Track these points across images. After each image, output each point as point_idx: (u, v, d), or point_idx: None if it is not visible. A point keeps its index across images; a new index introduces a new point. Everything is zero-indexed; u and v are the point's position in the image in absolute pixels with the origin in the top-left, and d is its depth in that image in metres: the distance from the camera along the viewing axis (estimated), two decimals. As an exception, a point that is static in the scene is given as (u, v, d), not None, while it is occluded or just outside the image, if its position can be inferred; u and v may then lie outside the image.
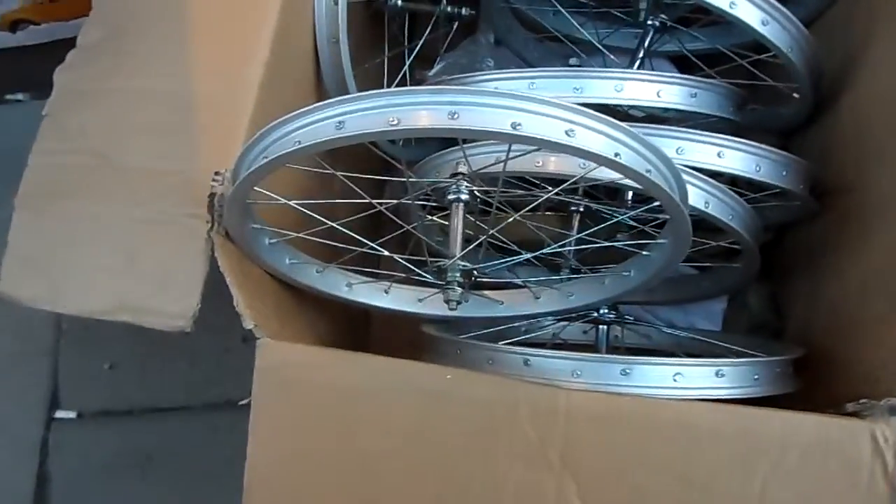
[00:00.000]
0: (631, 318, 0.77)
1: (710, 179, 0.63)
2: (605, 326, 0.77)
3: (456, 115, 0.46)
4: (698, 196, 0.61)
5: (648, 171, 0.51)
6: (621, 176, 0.51)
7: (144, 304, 0.59)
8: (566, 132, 0.47)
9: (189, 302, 0.58)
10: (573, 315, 0.76)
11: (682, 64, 0.91)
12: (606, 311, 0.76)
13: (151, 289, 0.59)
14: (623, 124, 0.49)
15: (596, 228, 0.67)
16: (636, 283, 0.67)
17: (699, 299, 0.87)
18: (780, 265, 0.85)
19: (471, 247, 0.60)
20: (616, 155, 0.49)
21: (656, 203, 0.61)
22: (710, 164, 0.64)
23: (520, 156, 0.54)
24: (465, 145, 0.58)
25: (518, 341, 0.79)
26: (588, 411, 0.54)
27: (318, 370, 0.58)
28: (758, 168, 0.67)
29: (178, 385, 1.05)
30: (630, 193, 0.78)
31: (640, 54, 0.83)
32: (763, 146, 0.67)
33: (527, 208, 0.62)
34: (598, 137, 0.48)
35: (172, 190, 0.61)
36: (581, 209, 0.75)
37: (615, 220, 0.66)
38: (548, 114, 0.47)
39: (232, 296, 0.58)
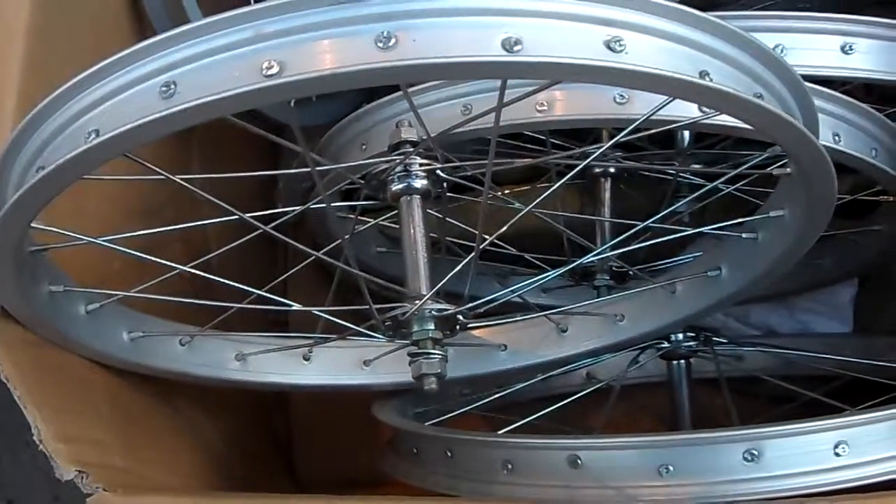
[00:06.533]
0: (725, 340, 0.66)
1: (837, 94, 0.52)
2: (683, 361, 0.65)
3: (392, 41, 0.34)
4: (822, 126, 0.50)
5: (759, 95, 0.39)
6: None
7: None
8: (606, 44, 0.35)
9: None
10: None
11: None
12: (682, 335, 0.65)
13: None
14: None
15: (685, 202, 0.56)
16: (734, 288, 0.57)
17: (815, 287, 0.76)
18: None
19: (450, 273, 0.47)
20: (704, 75, 0.37)
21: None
22: (829, 67, 0.56)
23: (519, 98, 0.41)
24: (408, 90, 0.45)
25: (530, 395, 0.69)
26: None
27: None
28: (908, 65, 0.56)
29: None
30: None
31: None
32: (912, 26, 0.56)
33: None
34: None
35: None
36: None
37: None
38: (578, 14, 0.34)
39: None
